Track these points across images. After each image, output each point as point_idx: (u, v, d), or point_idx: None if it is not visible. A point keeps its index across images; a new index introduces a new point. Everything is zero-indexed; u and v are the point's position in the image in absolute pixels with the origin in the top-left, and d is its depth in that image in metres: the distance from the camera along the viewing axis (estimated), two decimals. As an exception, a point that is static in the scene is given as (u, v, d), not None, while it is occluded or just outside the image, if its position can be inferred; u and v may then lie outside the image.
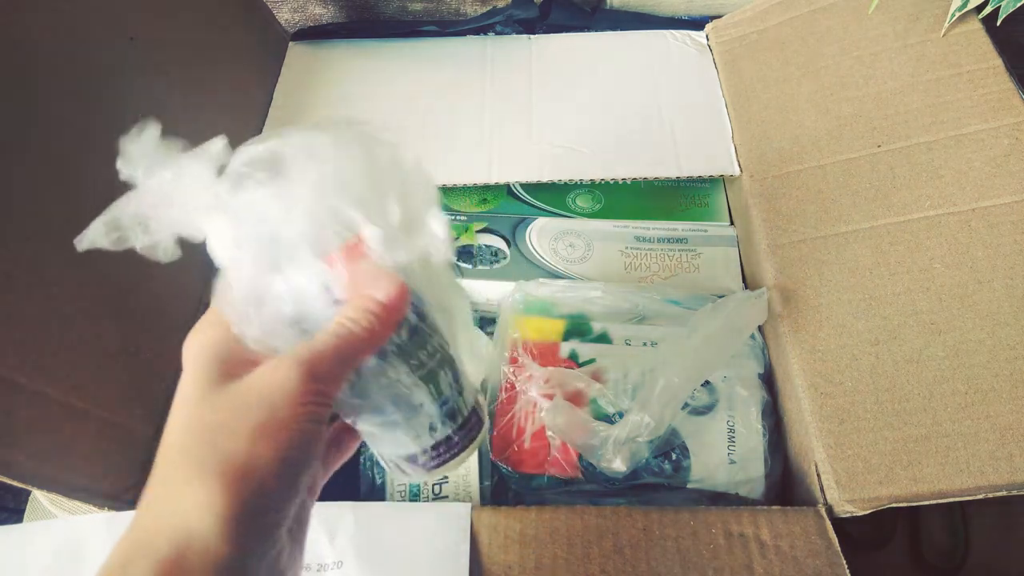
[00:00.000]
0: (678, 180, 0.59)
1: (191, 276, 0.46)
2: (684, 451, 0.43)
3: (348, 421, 0.28)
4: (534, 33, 0.64)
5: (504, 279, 0.53)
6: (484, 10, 0.64)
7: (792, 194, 0.47)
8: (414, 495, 0.43)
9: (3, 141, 0.35)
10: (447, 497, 0.43)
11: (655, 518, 0.36)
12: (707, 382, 0.45)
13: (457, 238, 0.56)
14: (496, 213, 0.58)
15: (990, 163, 0.43)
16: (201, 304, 0.46)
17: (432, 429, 0.28)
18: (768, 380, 0.46)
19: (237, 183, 0.25)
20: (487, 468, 0.44)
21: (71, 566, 0.35)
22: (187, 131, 0.51)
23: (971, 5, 0.46)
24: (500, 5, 0.63)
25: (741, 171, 0.52)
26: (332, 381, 0.23)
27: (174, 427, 0.23)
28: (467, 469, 0.43)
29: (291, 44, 0.63)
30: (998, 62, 0.46)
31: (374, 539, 0.36)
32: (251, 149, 0.26)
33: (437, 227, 0.26)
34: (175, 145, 0.25)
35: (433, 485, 0.43)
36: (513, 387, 0.46)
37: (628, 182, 0.59)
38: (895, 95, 0.48)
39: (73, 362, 0.37)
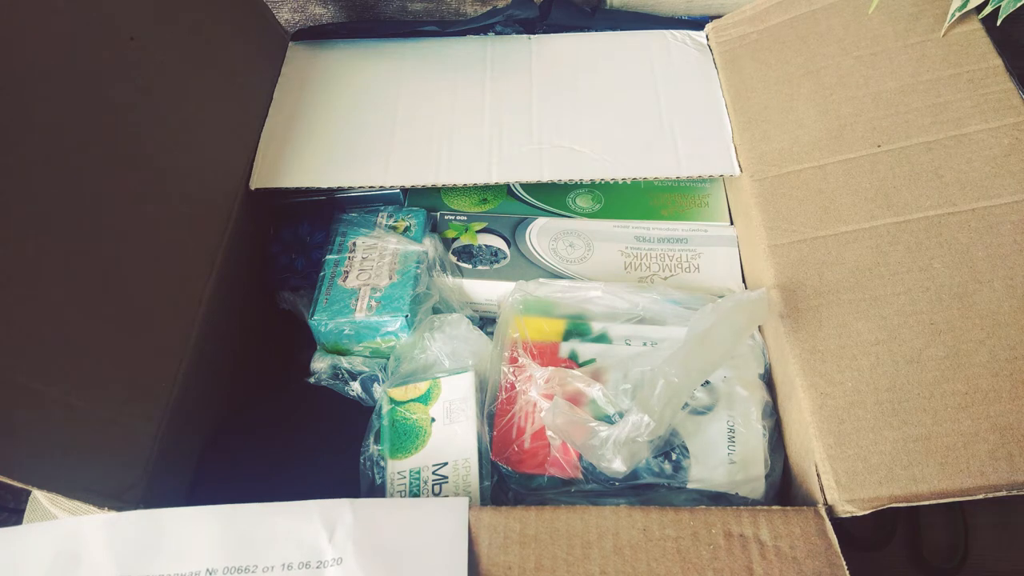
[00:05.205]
0: (678, 180, 0.59)
1: (191, 275, 0.46)
2: (684, 451, 0.43)
3: None
4: (534, 33, 0.64)
5: (504, 279, 0.53)
6: (484, 10, 0.64)
7: (792, 194, 0.47)
8: (414, 495, 0.43)
9: (2, 141, 0.35)
10: (447, 496, 0.43)
11: (655, 518, 0.36)
12: (707, 382, 0.45)
13: (457, 238, 0.56)
14: (496, 213, 0.58)
15: (990, 163, 0.43)
16: (200, 304, 0.46)
17: None
18: (768, 380, 0.46)
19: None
20: (487, 468, 0.44)
21: (71, 566, 0.35)
22: (187, 131, 0.52)
23: (971, 5, 0.46)
24: (500, 5, 0.63)
25: (741, 171, 0.52)
26: None
27: None
28: (467, 469, 0.43)
29: (291, 44, 0.63)
30: (998, 62, 0.46)
31: (373, 534, 0.36)
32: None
33: None
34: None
35: (433, 485, 0.43)
36: (513, 387, 0.46)
37: (628, 182, 0.59)
38: (895, 95, 0.48)
39: (73, 362, 0.37)
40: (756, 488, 0.42)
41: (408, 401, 0.47)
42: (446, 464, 0.44)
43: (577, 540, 0.36)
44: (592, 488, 0.43)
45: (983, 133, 0.44)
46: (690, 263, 0.54)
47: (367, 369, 0.51)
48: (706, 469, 0.42)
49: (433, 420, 0.46)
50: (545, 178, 0.53)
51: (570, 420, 0.41)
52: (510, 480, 0.44)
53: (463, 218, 0.57)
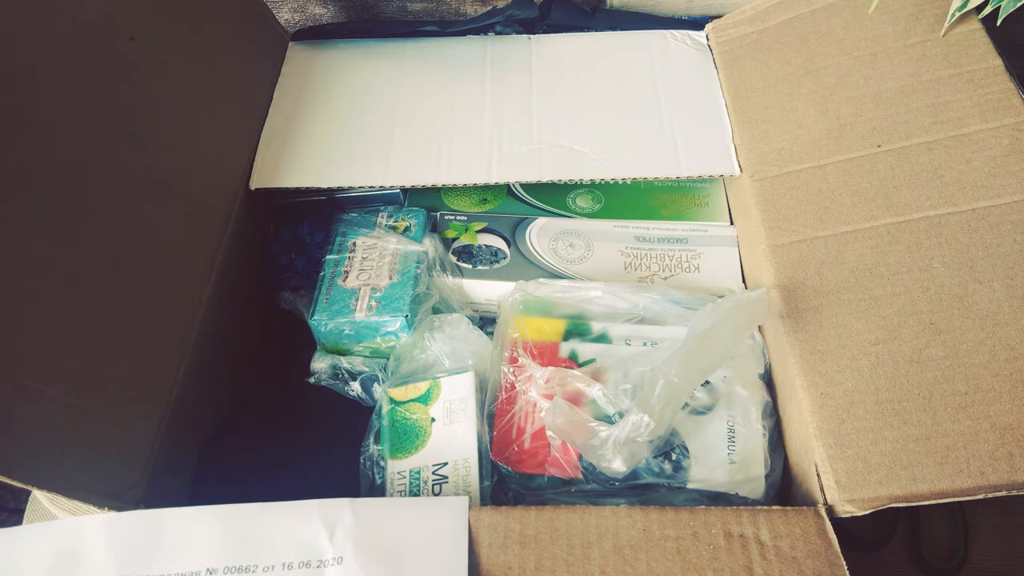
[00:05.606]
0: (678, 180, 0.59)
1: (191, 275, 0.46)
2: (684, 451, 0.43)
3: None
4: (534, 33, 0.64)
5: (504, 279, 0.53)
6: (484, 10, 0.64)
7: (792, 194, 0.47)
8: (414, 495, 0.43)
9: (3, 141, 0.35)
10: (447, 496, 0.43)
11: (655, 518, 0.36)
12: (707, 382, 0.45)
13: (457, 238, 0.56)
14: (496, 213, 0.58)
15: (990, 163, 0.43)
16: (200, 304, 0.46)
17: None
18: (768, 380, 0.46)
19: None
20: (487, 468, 0.44)
21: (71, 566, 0.35)
22: (187, 131, 0.52)
23: (971, 5, 0.46)
24: (500, 5, 0.63)
25: (741, 171, 0.52)
26: None
27: None
28: (467, 469, 0.43)
29: (291, 44, 0.63)
30: (998, 62, 0.46)
31: (373, 534, 0.36)
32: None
33: None
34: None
35: (433, 484, 0.43)
36: (513, 387, 0.46)
37: (628, 182, 0.59)
38: (895, 95, 0.48)
39: (73, 362, 0.37)
40: (756, 488, 0.42)
41: (408, 401, 0.47)
42: (446, 464, 0.44)
43: (577, 540, 0.36)
44: (592, 488, 0.43)
45: (983, 133, 0.44)
46: (690, 263, 0.54)
47: (367, 369, 0.51)
48: (706, 469, 0.42)
49: (433, 420, 0.46)
50: (545, 178, 0.53)
51: (570, 420, 0.41)
52: (510, 480, 0.44)
53: (463, 218, 0.57)
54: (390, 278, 0.51)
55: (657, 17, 0.64)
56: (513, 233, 0.56)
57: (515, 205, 0.59)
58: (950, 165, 0.44)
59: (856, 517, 0.37)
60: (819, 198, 0.46)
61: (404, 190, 0.58)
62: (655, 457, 0.42)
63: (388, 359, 0.51)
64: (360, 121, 0.58)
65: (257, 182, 0.54)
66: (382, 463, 0.45)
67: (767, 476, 0.42)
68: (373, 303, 0.50)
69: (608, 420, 0.42)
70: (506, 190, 0.60)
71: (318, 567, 0.35)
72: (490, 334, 0.51)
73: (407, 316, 0.49)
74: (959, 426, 0.36)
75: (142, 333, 0.41)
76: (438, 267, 0.53)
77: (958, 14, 0.47)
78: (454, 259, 0.54)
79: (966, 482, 0.35)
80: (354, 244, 0.54)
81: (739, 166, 0.52)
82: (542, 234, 0.56)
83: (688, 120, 0.56)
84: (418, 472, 0.44)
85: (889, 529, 0.51)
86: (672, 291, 0.49)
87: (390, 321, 0.49)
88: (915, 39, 0.49)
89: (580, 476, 0.43)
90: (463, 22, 0.63)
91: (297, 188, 0.54)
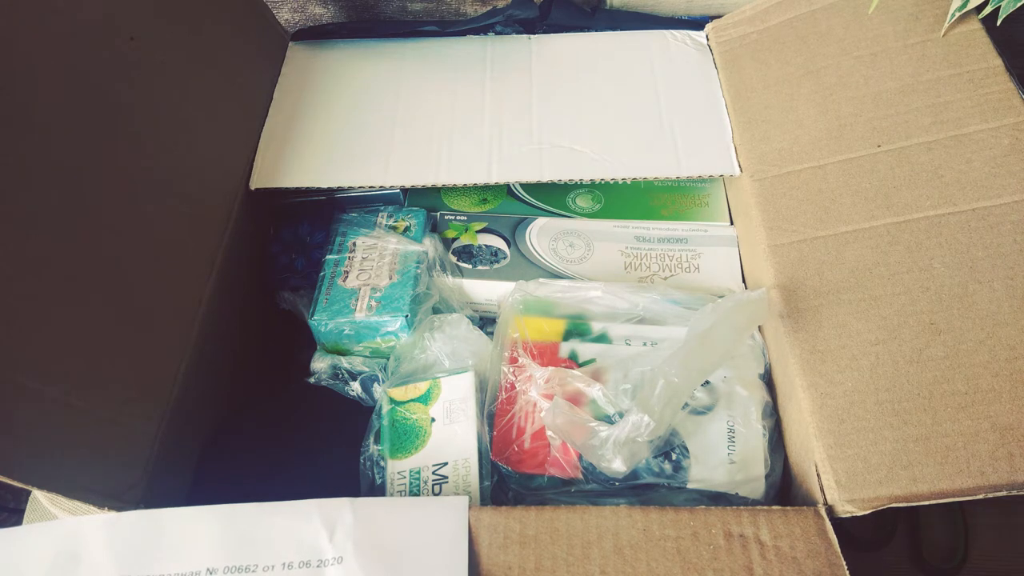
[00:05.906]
0: (678, 180, 0.59)
1: (191, 275, 0.46)
2: (684, 451, 0.43)
3: None
4: (534, 33, 0.64)
5: (504, 279, 0.53)
6: (484, 10, 0.64)
7: (792, 194, 0.47)
8: (414, 495, 0.43)
9: (3, 141, 0.35)
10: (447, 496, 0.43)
11: (655, 518, 0.36)
12: (707, 382, 0.45)
13: (457, 238, 0.56)
14: (496, 213, 0.58)
15: (990, 163, 0.43)
16: (200, 304, 0.46)
17: None
18: (768, 380, 0.46)
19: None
20: (487, 468, 0.44)
21: (71, 566, 0.35)
22: (187, 131, 0.52)
23: (971, 5, 0.46)
24: (500, 5, 0.63)
25: (741, 171, 0.52)
26: None
27: None
28: (467, 469, 0.43)
29: (291, 44, 0.63)
30: (998, 62, 0.46)
31: (373, 533, 0.36)
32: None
33: None
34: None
35: (433, 485, 0.43)
36: (513, 387, 0.46)
37: (628, 182, 0.59)
38: (895, 95, 0.48)
39: (73, 362, 0.37)
40: (756, 488, 0.42)
41: (408, 401, 0.47)
42: (446, 464, 0.44)
43: (577, 540, 0.36)
44: (592, 488, 0.43)
45: (983, 133, 0.44)
46: (690, 263, 0.54)
47: (367, 369, 0.51)
48: (706, 469, 0.42)
49: (433, 420, 0.46)
50: (545, 178, 0.53)
51: (570, 420, 0.41)
52: (510, 480, 0.44)
53: (463, 218, 0.57)
54: (390, 278, 0.51)
55: (657, 17, 0.64)
56: (513, 233, 0.56)
57: (515, 205, 0.59)
58: (950, 165, 0.44)
59: (856, 517, 0.37)
60: (819, 198, 0.46)
61: (404, 190, 0.58)
62: (655, 457, 0.42)
63: (388, 359, 0.51)
64: (360, 121, 0.58)
65: (257, 182, 0.54)
66: (382, 463, 0.45)
67: (767, 476, 0.42)
68: (373, 303, 0.50)
69: (608, 420, 0.42)
70: (506, 190, 0.60)
71: (318, 567, 0.35)
72: (490, 334, 0.51)
73: (407, 316, 0.49)
74: (959, 426, 0.36)
75: (142, 333, 0.41)
76: (438, 267, 0.53)
77: (958, 14, 0.47)
78: (454, 259, 0.54)
79: (966, 482, 0.35)
80: (354, 244, 0.54)
81: (739, 166, 0.52)
82: (542, 234, 0.56)
83: (688, 120, 0.56)
84: (418, 472, 0.44)
85: (889, 529, 0.51)
86: (672, 291, 0.49)
87: (390, 321, 0.49)
88: (915, 39, 0.49)
89: (580, 476, 0.43)
90: (463, 22, 0.63)
91: (297, 188, 0.54)
